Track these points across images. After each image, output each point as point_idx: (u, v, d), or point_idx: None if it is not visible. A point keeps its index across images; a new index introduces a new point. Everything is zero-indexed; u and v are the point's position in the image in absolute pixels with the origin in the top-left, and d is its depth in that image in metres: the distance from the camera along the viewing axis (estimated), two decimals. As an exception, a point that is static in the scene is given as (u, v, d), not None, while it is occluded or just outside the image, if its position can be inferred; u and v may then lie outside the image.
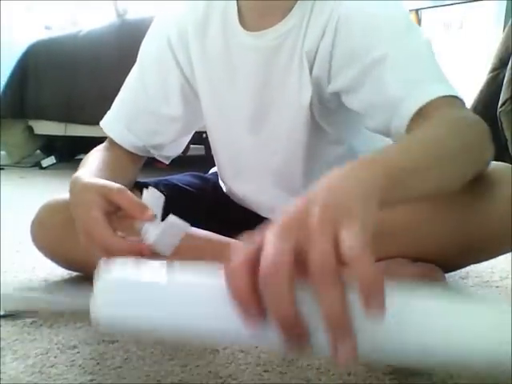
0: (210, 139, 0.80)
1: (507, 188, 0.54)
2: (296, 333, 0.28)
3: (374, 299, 0.27)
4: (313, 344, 0.28)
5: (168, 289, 0.33)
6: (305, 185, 0.72)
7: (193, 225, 0.72)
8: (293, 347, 0.29)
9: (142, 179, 0.79)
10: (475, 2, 2.74)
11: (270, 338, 0.29)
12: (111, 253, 0.47)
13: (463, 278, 0.77)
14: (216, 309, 0.31)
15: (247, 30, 0.67)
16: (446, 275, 0.74)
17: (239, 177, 0.78)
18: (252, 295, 0.29)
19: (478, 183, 0.55)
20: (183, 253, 0.69)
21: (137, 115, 0.75)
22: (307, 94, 0.65)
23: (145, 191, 0.52)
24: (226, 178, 0.82)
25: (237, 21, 0.68)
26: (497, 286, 0.73)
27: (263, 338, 0.30)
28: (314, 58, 0.64)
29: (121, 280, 0.34)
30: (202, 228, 0.72)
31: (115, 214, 0.52)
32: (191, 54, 0.72)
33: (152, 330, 0.35)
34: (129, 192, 0.52)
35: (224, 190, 0.84)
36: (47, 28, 2.91)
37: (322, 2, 0.63)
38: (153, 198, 0.52)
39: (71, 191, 0.59)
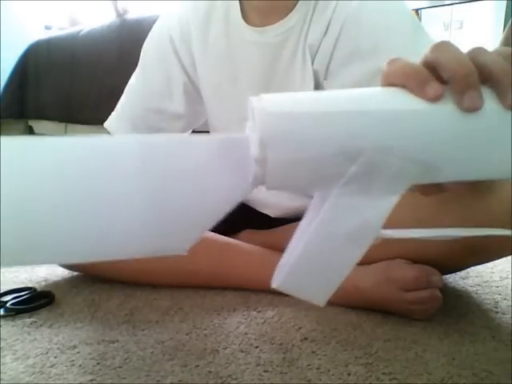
0: None
1: (508, 189, 0.54)
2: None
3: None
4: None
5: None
6: None
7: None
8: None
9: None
10: (475, 2, 2.74)
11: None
12: None
13: (463, 278, 0.77)
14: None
15: (250, 26, 0.68)
16: (447, 275, 0.74)
17: None
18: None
19: (480, 184, 0.55)
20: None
21: (141, 114, 0.76)
22: (310, 88, 0.66)
23: None
24: None
25: (240, 17, 0.68)
26: (497, 286, 0.73)
27: None
28: (316, 53, 0.66)
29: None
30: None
31: None
32: (194, 53, 0.73)
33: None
34: None
35: None
36: (47, 28, 2.90)
37: (326, 2, 0.64)
38: None
39: None
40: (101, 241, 0.30)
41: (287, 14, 0.66)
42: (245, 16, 0.69)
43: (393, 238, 0.31)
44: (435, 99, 0.28)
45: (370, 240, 0.30)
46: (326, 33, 0.64)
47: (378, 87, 0.30)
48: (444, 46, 0.30)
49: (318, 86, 0.67)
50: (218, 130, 0.78)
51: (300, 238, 0.31)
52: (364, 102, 0.28)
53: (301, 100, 0.28)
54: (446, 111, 0.28)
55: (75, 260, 0.32)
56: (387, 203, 0.29)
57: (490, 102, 0.28)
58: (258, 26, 0.68)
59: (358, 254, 0.30)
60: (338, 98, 0.29)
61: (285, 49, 0.67)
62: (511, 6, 2.50)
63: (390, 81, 0.30)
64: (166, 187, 0.30)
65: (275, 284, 0.31)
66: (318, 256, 0.30)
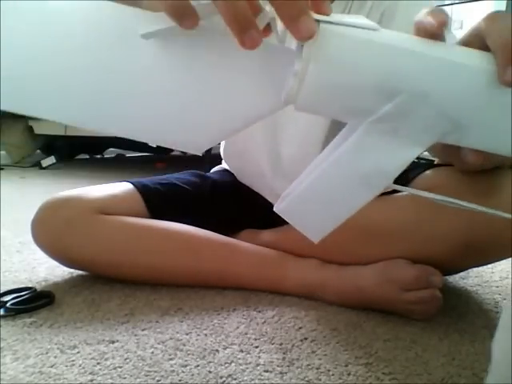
0: None
1: (509, 191, 0.54)
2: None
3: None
4: None
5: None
6: None
7: (191, 224, 0.73)
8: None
9: (141, 179, 0.79)
10: (475, 2, 2.74)
11: None
12: None
13: (463, 278, 0.77)
14: None
15: None
16: (447, 276, 0.74)
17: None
18: None
19: (481, 184, 0.55)
20: (182, 253, 0.70)
21: None
22: None
23: None
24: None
25: None
26: (497, 286, 0.73)
27: None
28: None
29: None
30: (201, 227, 0.72)
31: None
32: None
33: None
34: None
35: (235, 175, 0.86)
36: (47, 28, 2.91)
37: (361, 2, 0.65)
38: None
39: None
40: (110, 112, 0.29)
41: None
42: None
43: (402, 191, 0.31)
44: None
45: (382, 187, 0.30)
46: None
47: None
48: (495, 17, 0.30)
49: None
50: None
51: (315, 167, 0.31)
52: (414, 43, 0.28)
53: (354, 24, 0.28)
54: (488, 77, 0.28)
55: (78, 122, 0.29)
56: (410, 154, 0.29)
57: None
58: None
59: (367, 197, 0.30)
60: (391, 34, 0.29)
61: None
62: (511, 6, 2.50)
63: None
64: (196, 78, 0.29)
65: (277, 208, 0.32)
66: (327, 188, 0.30)
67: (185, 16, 0.27)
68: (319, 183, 0.30)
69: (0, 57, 0.27)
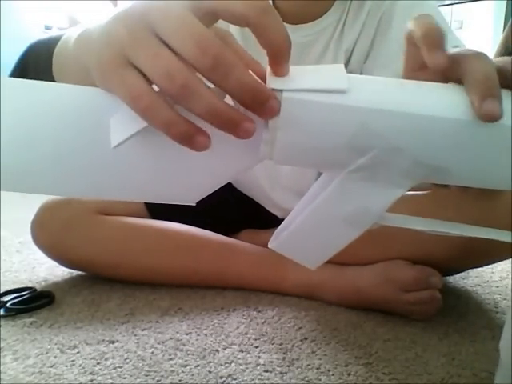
0: None
1: (509, 193, 0.54)
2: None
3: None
4: None
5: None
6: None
7: (190, 224, 0.73)
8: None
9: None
10: (475, 2, 2.74)
11: None
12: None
13: (463, 278, 0.77)
14: None
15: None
16: (446, 276, 0.74)
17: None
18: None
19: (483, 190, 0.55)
20: (181, 253, 0.70)
21: None
22: None
23: None
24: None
25: None
26: (497, 286, 0.73)
27: None
28: (350, 55, 0.66)
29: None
30: (200, 227, 0.72)
31: None
32: None
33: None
34: None
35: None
36: (47, 28, 2.90)
37: (360, 2, 0.64)
38: None
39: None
40: (105, 178, 0.30)
41: (322, 15, 0.65)
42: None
43: (393, 225, 0.31)
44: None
45: (368, 225, 0.30)
46: (360, 34, 0.65)
47: (399, 81, 0.30)
48: (476, 56, 0.29)
49: None
50: None
51: (302, 209, 0.32)
52: (381, 99, 0.28)
53: (317, 84, 0.27)
54: (462, 119, 0.27)
55: (76, 194, 0.31)
56: (392, 195, 0.29)
57: (508, 114, 0.27)
58: (289, 24, 0.66)
59: (354, 235, 0.31)
60: (361, 88, 0.28)
61: (313, 48, 0.67)
62: (511, 6, 2.50)
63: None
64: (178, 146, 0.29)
65: (272, 245, 0.33)
66: (315, 229, 0.32)
67: (195, 136, 0.26)
68: (306, 226, 0.31)
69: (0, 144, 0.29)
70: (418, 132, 0.27)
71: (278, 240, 0.33)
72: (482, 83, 0.27)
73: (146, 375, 0.48)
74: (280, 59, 0.26)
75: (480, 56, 0.29)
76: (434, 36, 0.29)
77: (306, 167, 0.31)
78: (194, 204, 0.32)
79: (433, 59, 0.28)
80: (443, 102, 0.28)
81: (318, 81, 0.27)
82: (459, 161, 0.28)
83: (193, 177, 0.32)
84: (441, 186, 0.32)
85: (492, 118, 0.26)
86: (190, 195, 0.33)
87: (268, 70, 0.28)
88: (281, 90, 0.27)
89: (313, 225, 0.31)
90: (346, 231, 0.31)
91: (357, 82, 0.28)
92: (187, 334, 0.57)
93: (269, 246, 0.33)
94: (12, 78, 0.29)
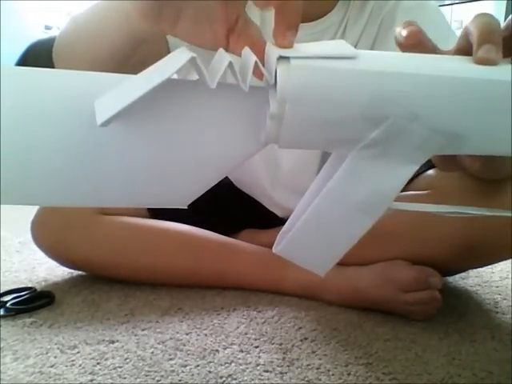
0: None
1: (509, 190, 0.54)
2: None
3: None
4: None
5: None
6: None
7: (191, 224, 0.73)
8: None
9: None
10: (475, 2, 2.74)
11: None
12: None
13: (463, 278, 0.77)
14: None
15: None
16: (446, 276, 0.74)
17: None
18: None
19: (483, 184, 0.55)
20: (182, 253, 0.70)
21: None
22: None
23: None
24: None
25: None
26: (497, 286, 0.73)
27: None
28: None
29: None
30: (200, 227, 0.72)
31: None
32: None
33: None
34: None
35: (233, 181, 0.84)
36: (47, 28, 2.91)
37: (362, 2, 0.64)
38: None
39: None
40: (101, 186, 0.29)
41: (325, 15, 0.65)
42: None
43: (405, 210, 0.29)
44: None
45: (381, 211, 0.28)
46: (362, 32, 0.64)
47: (410, 54, 0.29)
48: (479, 14, 0.30)
49: None
50: None
51: (308, 202, 0.30)
52: (396, 63, 0.26)
53: (328, 53, 0.26)
54: (479, 78, 0.26)
55: (74, 203, 0.30)
56: (405, 172, 0.28)
57: None
58: None
59: (368, 224, 0.29)
60: (370, 56, 0.27)
61: None
62: (511, 6, 2.50)
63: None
64: (172, 134, 0.28)
65: (276, 249, 0.31)
66: (324, 222, 0.29)
67: None
68: (314, 219, 0.29)
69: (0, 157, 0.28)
70: (434, 95, 0.26)
71: (283, 243, 0.30)
72: (480, 30, 0.28)
73: (146, 375, 0.48)
74: (289, 24, 0.27)
75: (483, 13, 0.30)
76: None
77: (314, 147, 0.29)
78: (186, 207, 0.31)
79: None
80: (459, 64, 0.27)
81: (326, 49, 0.26)
82: (475, 124, 0.27)
83: (186, 172, 0.30)
84: (455, 167, 0.31)
85: (487, 61, 0.27)
86: (183, 195, 0.31)
87: (269, 44, 0.27)
88: (288, 58, 0.25)
89: (323, 216, 0.29)
90: (359, 220, 0.29)
91: (365, 52, 0.27)
92: (187, 334, 0.57)
93: (273, 250, 0.31)
94: (11, 66, 0.27)
